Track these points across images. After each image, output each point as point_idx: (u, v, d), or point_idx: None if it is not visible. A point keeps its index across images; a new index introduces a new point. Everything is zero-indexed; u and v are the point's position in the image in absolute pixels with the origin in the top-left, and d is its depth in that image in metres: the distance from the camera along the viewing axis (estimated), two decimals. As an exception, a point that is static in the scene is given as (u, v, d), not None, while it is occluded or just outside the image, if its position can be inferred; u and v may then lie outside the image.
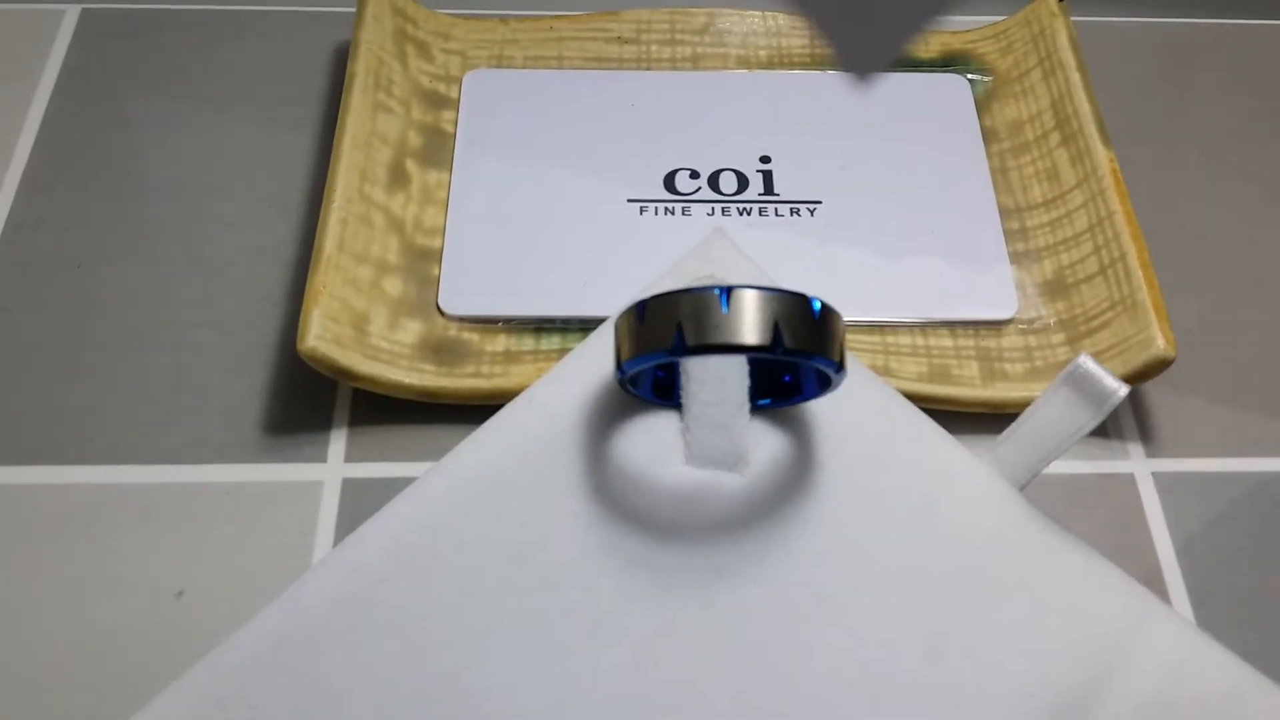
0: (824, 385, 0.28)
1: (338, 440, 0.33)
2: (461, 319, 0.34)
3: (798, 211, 0.37)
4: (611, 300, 0.34)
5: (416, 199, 0.36)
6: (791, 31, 0.41)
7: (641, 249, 0.36)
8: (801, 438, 0.30)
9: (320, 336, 0.31)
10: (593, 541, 0.28)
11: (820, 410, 0.30)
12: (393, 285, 0.34)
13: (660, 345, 0.26)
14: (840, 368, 0.27)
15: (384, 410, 0.33)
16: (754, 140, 0.38)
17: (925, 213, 0.37)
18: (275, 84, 0.41)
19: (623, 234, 0.36)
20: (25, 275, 0.36)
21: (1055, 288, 0.35)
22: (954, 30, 0.42)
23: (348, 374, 0.32)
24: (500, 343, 0.34)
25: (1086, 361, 0.28)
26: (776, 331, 0.26)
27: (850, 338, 0.34)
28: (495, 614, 0.27)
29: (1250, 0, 0.45)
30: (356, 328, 0.33)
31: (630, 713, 0.26)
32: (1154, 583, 0.31)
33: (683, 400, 0.29)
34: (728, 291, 0.26)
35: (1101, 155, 0.36)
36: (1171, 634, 0.28)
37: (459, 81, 0.40)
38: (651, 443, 0.29)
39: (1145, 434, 0.34)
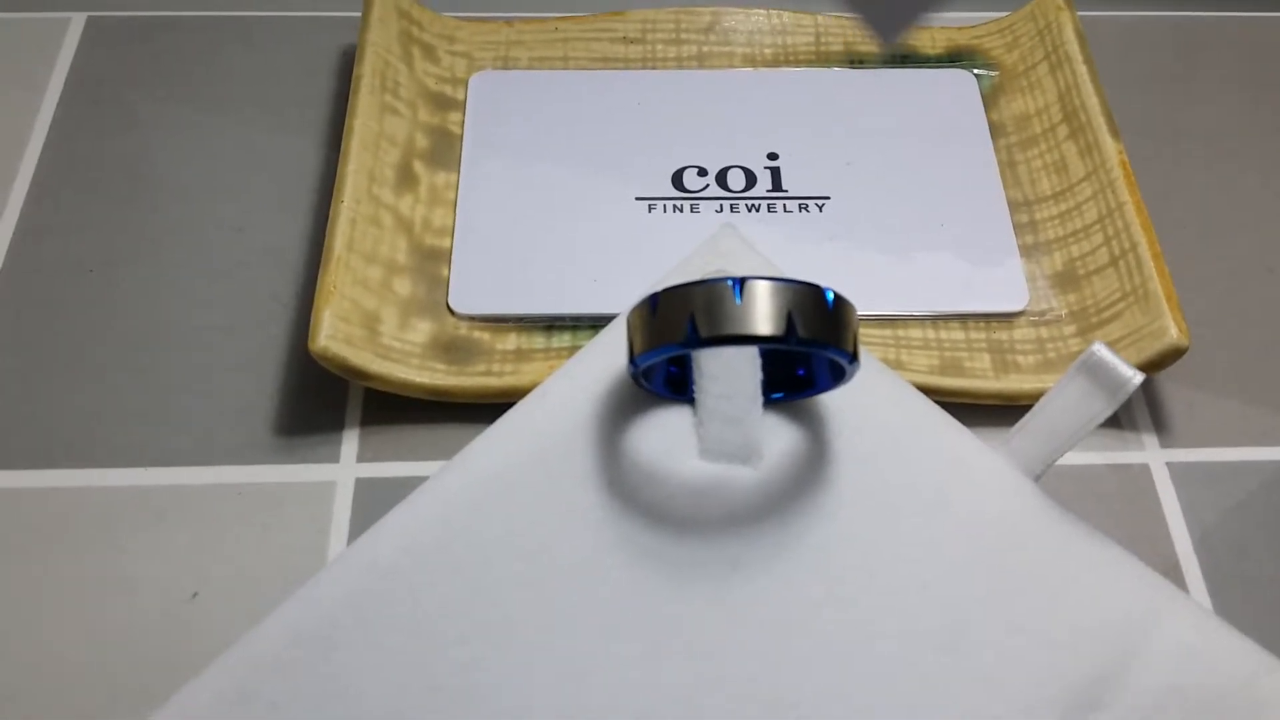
0: (837, 377, 0.28)
1: (350, 440, 0.33)
2: (472, 318, 0.34)
3: (806, 207, 0.37)
4: (621, 298, 0.34)
5: (425, 200, 0.36)
6: (796, 29, 0.41)
7: (651, 246, 0.36)
8: (815, 431, 0.30)
9: (332, 336, 0.31)
10: (607, 536, 0.28)
11: (833, 403, 0.30)
12: (402, 285, 0.34)
13: (673, 337, 0.26)
14: (854, 359, 0.27)
15: (395, 410, 0.33)
16: (761, 137, 0.38)
17: (934, 207, 0.37)
18: (281, 88, 0.41)
19: (632, 232, 0.36)
20: (36, 279, 0.36)
21: (1066, 279, 0.35)
22: (959, 26, 0.42)
23: (359, 373, 0.32)
24: (511, 341, 0.34)
25: (1101, 350, 0.28)
26: (790, 322, 0.26)
27: (861, 332, 0.34)
28: (510, 609, 0.27)
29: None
30: (367, 327, 0.32)
31: (647, 707, 0.26)
32: (1171, 573, 0.31)
33: (695, 394, 0.29)
34: (741, 282, 0.26)
35: (1110, 147, 0.36)
36: (1190, 622, 0.27)
37: (465, 83, 0.40)
38: (665, 437, 0.29)
39: (1159, 425, 0.34)
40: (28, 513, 0.31)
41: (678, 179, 0.37)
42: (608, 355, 0.30)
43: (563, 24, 0.41)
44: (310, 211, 0.38)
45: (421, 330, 0.34)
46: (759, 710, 0.26)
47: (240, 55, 0.42)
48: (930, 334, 0.34)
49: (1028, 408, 0.32)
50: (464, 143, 0.38)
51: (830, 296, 0.26)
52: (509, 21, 0.41)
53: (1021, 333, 0.34)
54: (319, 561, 0.31)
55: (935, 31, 0.41)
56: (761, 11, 0.41)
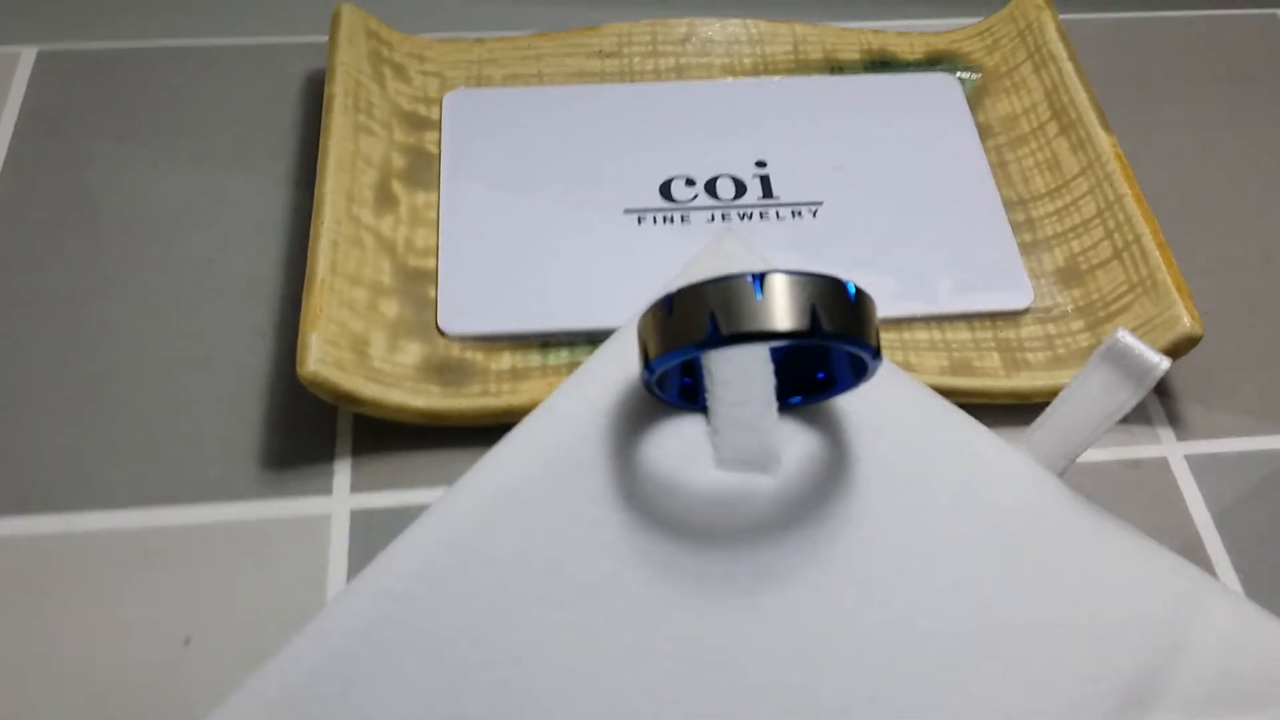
0: (859, 374, 0.27)
1: (342, 471, 0.31)
2: (464, 338, 0.33)
3: (799, 214, 0.36)
4: (617, 311, 0.33)
5: (406, 220, 0.35)
6: (774, 38, 0.40)
7: (643, 258, 0.34)
8: (832, 435, 0.29)
9: (321, 361, 0.30)
10: (628, 551, 0.27)
11: (849, 406, 0.29)
12: (389, 307, 0.33)
13: (692, 338, 0.25)
14: (877, 353, 0.26)
15: (387, 437, 0.32)
16: (747, 145, 0.37)
17: (928, 209, 0.36)
18: (245, 116, 0.39)
19: (622, 244, 0.35)
20: (2, 317, 0.34)
21: (1069, 275, 0.35)
22: (936, 32, 0.41)
23: (351, 398, 0.30)
24: (506, 360, 0.32)
25: (1125, 336, 0.28)
26: (814, 316, 0.25)
27: (866, 336, 0.33)
28: (533, 631, 0.25)
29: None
30: (356, 351, 0.31)
31: (685, 726, 0.25)
32: (1199, 563, 0.30)
33: (708, 402, 0.28)
34: (761, 277, 0.25)
35: (1104, 141, 0.36)
36: (1230, 610, 0.27)
37: (439, 102, 0.38)
38: (679, 447, 0.28)
39: (1173, 417, 0.33)
40: (3, 562, 0.29)
41: (666, 189, 0.36)
42: (615, 366, 0.29)
43: (536, 41, 0.40)
44: (283, 239, 0.36)
45: (412, 352, 0.32)
46: (803, 717, 0.25)
47: (200, 85, 0.40)
48: (937, 335, 0.33)
49: (1040, 405, 0.31)
50: (442, 162, 0.37)
51: (852, 289, 0.25)
52: (480, 40, 0.40)
53: (1029, 330, 0.34)
54: (318, 598, 0.29)
55: (913, 37, 0.41)
56: (737, 21, 0.41)
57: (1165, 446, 0.32)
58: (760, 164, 0.37)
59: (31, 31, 0.41)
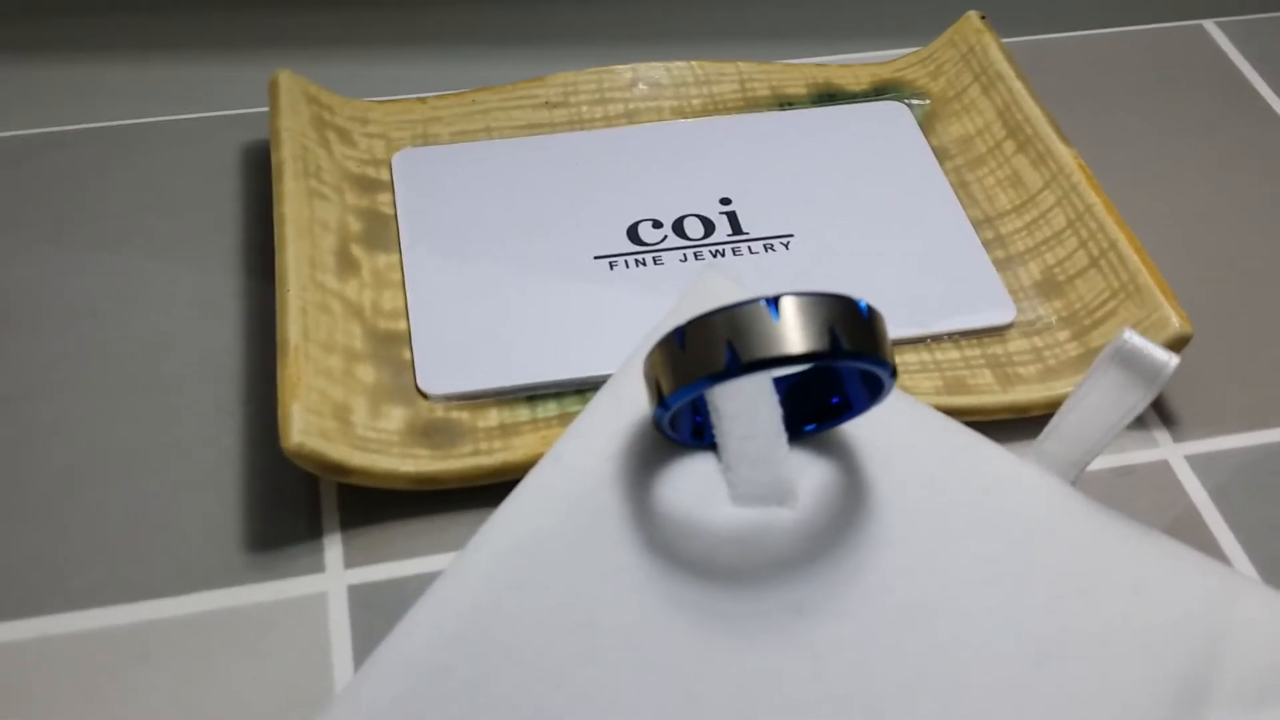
0: (874, 394, 0.27)
1: (333, 546, 0.30)
2: (447, 398, 0.31)
3: (771, 247, 0.35)
4: (600, 359, 0.32)
5: (370, 284, 0.34)
6: (720, 78, 0.40)
7: (620, 303, 0.34)
8: (845, 462, 0.28)
9: (305, 431, 0.28)
10: (655, 597, 0.25)
11: (858, 433, 0.28)
12: (365, 373, 0.31)
13: (709, 369, 0.24)
14: (894, 371, 0.25)
15: (376, 506, 0.30)
16: (709, 184, 0.37)
17: (898, 233, 0.36)
18: (184, 193, 0.38)
19: (597, 291, 0.34)
20: (-58, 419, 0.32)
21: (1047, 287, 0.34)
22: (878, 63, 0.42)
23: (339, 469, 0.29)
24: (493, 417, 0.31)
25: (1132, 336, 0.27)
26: (833, 335, 0.24)
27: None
28: (570, 687, 0.24)
29: (1157, 5, 0.46)
30: (340, 419, 0.30)
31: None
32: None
33: (717, 439, 0.27)
34: (775, 301, 0.24)
35: (1064, 153, 0.36)
36: (1262, 600, 0.26)
37: (387, 164, 0.37)
38: (693, 487, 0.27)
39: (1167, 419, 0.33)
40: (-25, 675, 0.27)
41: (633, 233, 0.35)
42: (617, 411, 0.28)
43: (479, 95, 0.39)
44: (239, 315, 0.35)
45: (396, 417, 0.31)
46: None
47: (135, 165, 0.39)
48: (926, 357, 0.33)
49: (1037, 418, 0.31)
50: (399, 222, 0.35)
51: (864, 306, 0.25)
52: (422, 99, 0.39)
53: (1016, 344, 0.33)
54: (324, 683, 0.27)
55: (856, 69, 0.41)
56: (683, 64, 0.40)
57: (1164, 449, 0.32)
58: (725, 201, 0.36)
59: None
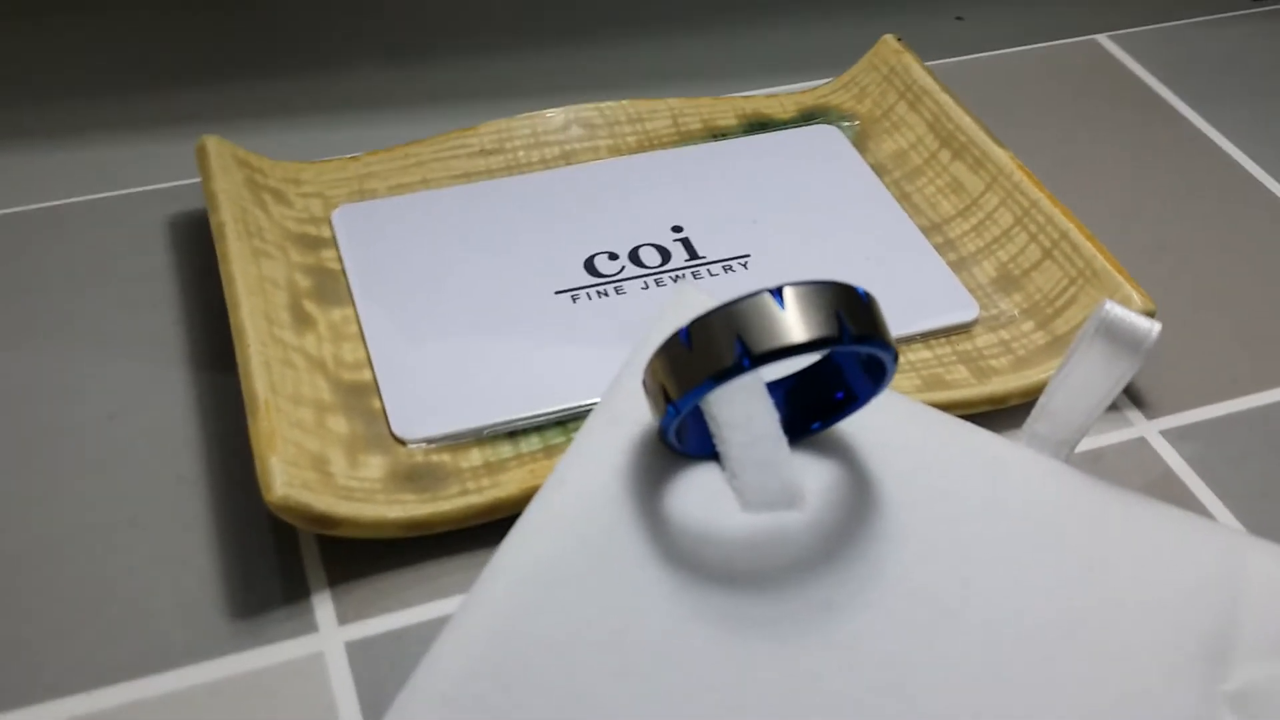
0: (877, 381, 0.26)
1: (323, 604, 0.28)
2: (427, 441, 0.30)
3: (730, 268, 0.35)
4: (577, 389, 0.31)
5: (328, 338, 0.33)
6: (652, 115, 0.40)
7: (586, 333, 0.33)
8: (848, 460, 0.28)
9: (288, 484, 0.27)
10: (681, 609, 0.25)
11: (855, 431, 0.28)
12: (338, 424, 0.30)
13: (719, 365, 0.24)
14: (896, 355, 0.25)
15: (361, 560, 0.29)
16: (658, 214, 0.37)
17: (852, 245, 0.36)
18: (119, 269, 0.36)
19: (563, 325, 0.33)
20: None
21: (1005, 282, 0.35)
22: (801, 91, 0.42)
23: (325, 520, 0.27)
24: (476, 457, 0.30)
25: (1113, 307, 0.28)
26: (840, 320, 0.24)
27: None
28: (610, 707, 0.23)
29: (1053, 25, 0.48)
30: (319, 470, 0.28)
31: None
32: (1213, 529, 0.30)
33: (719, 448, 0.27)
34: (778, 291, 0.24)
35: (1001, 156, 0.37)
36: (1270, 554, 0.27)
37: (327, 221, 0.36)
38: (701, 497, 0.27)
39: (1137, 399, 0.33)
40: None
41: (590, 266, 0.35)
42: (614, 429, 0.27)
43: (412, 149, 0.39)
44: (185, 385, 0.33)
45: (375, 465, 0.30)
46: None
47: (60, 246, 0.37)
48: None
49: (1015, 408, 0.32)
50: (349, 275, 0.35)
51: (862, 292, 0.25)
52: (355, 157, 0.38)
53: (984, 339, 0.34)
54: (335, 743, 0.25)
55: (782, 98, 0.42)
56: (613, 103, 0.40)
57: (1139, 427, 0.33)
58: (677, 229, 0.36)
59: None
